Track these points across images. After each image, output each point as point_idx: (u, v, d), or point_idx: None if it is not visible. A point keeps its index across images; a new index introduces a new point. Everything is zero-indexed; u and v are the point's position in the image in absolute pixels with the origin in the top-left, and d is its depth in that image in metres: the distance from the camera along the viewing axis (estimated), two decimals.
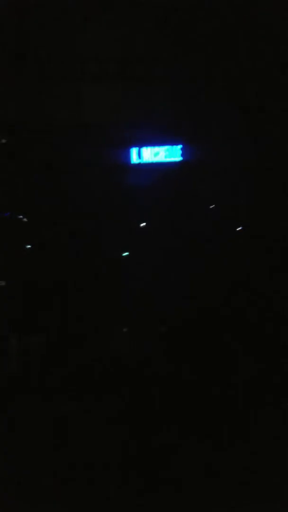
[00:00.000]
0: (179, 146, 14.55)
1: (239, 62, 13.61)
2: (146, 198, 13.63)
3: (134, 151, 14.45)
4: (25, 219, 13.64)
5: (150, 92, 13.98)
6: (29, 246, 12.51)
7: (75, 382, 7.14)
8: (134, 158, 14.47)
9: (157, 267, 11.54)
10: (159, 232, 13.20)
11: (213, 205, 13.96)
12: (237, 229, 13.12)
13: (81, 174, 13.39)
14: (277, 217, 12.56)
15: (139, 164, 14.47)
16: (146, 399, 6.74)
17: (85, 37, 13.68)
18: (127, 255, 12.49)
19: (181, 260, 11.70)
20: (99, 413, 6.20)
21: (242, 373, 7.36)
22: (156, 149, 14.51)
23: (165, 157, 14.55)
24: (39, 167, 13.39)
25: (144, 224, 13.86)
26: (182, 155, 14.60)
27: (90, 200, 13.11)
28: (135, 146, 14.40)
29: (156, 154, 14.53)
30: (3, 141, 13.42)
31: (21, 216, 13.63)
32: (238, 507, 4.86)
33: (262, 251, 11.80)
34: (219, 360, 7.85)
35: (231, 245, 12.45)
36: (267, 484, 5.16)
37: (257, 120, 13.70)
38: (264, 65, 13.36)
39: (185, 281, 10.93)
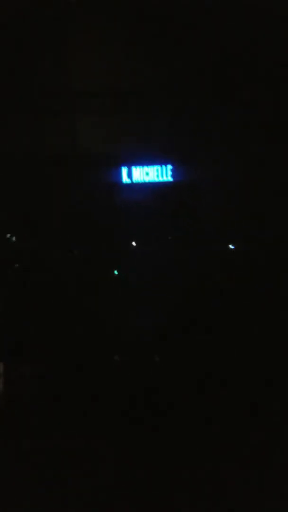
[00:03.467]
0: (170, 167, 14.68)
1: (231, 85, 13.82)
2: (137, 216, 13.68)
3: (124, 171, 14.55)
4: (14, 238, 13.62)
5: (143, 117, 14.20)
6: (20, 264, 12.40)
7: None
8: (125, 178, 14.56)
9: (149, 285, 11.45)
10: (150, 251, 13.18)
11: (204, 224, 13.99)
12: (229, 247, 13.12)
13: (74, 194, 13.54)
14: (269, 235, 12.60)
15: (130, 184, 14.56)
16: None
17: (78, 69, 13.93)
18: (117, 273, 12.41)
19: (172, 277, 11.63)
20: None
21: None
22: (146, 169, 14.62)
23: (156, 177, 14.65)
24: (34, 188, 13.47)
25: (134, 243, 13.84)
26: (172, 175, 14.73)
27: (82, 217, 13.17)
28: (126, 166, 14.51)
29: (147, 174, 14.63)
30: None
31: (9, 235, 13.63)
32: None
33: (255, 269, 11.78)
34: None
35: (223, 263, 12.43)
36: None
37: (248, 140, 13.88)
38: (256, 86, 13.59)
39: (176, 296, 10.83)
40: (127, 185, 14.61)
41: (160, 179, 14.69)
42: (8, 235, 13.72)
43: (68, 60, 13.90)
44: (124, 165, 14.52)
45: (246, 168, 13.81)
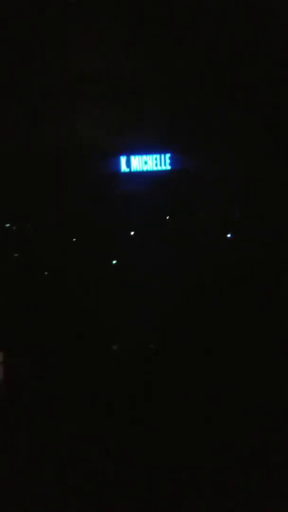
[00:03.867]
0: (168, 155, 14.69)
1: (230, 77, 13.78)
2: (137, 205, 13.70)
3: (123, 160, 14.56)
4: (15, 228, 13.66)
5: (140, 104, 14.17)
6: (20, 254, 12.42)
7: None
8: (124, 167, 14.58)
9: (147, 276, 11.47)
10: (149, 239, 13.21)
11: (203, 213, 14.02)
12: (228, 236, 13.14)
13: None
14: (267, 225, 12.63)
15: (129, 173, 14.59)
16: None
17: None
18: (116, 262, 12.44)
19: (171, 267, 11.65)
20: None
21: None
22: (145, 157, 14.63)
23: (154, 166, 14.67)
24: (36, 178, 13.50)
25: (133, 232, 13.86)
26: (170, 164, 14.75)
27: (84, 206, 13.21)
28: (125, 155, 14.53)
29: (145, 163, 14.65)
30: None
31: (8, 225, 13.67)
32: None
33: (253, 259, 11.82)
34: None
35: (221, 253, 12.47)
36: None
37: (246, 130, 13.88)
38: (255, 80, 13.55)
39: (174, 289, 10.87)
40: (125, 174, 14.62)
41: (159, 168, 14.71)
42: (7, 225, 13.74)
43: (68, 52, 13.84)
44: (122, 155, 14.53)
45: (245, 163, 13.82)
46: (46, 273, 10.92)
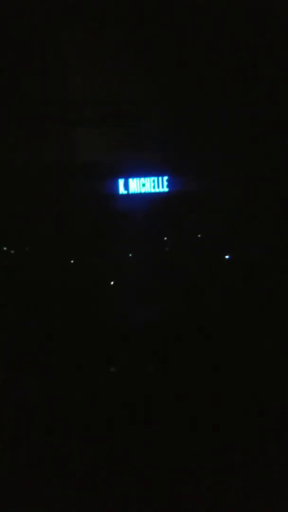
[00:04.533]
0: (165, 178, 14.82)
1: (226, 102, 13.96)
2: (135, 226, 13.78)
3: (121, 182, 14.68)
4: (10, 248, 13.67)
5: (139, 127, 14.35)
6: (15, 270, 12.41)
7: None
8: (121, 189, 14.68)
9: (145, 294, 11.47)
10: (146, 259, 13.25)
11: (199, 235, 14.10)
12: (224, 258, 13.19)
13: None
14: (264, 246, 12.69)
15: (126, 195, 14.69)
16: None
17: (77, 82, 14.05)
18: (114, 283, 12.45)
19: (168, 287, 11.67)
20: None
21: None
22: (143, 180, 14.75)
23: (152, 188, 14.78)
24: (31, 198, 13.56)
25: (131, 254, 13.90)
26: (168, 186, 14.87)
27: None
28: (122, 177, 14.65)
29: (143, 185, 14.76)
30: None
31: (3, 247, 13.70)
32: None
33: (250, 280, 11.85)
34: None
35: (218, 275, 12.50)
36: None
37: (243, 152, 14.02)
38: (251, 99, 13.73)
39: (173, 307, 10.87)
40: (123, 196, 14.72)
41: (157, 190, 14.82)
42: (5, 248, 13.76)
43: (67, 70, 14.00)
44: (120, 177, 14.66)
45: (244, 180, 13.94)
46: (44, 292, 10.94)
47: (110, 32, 13.75)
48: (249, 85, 13.58)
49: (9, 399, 7.63)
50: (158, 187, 14.88)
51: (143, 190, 14.79)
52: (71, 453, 5.92)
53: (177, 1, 12.68)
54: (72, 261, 12.74)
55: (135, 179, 14.75)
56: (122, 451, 5.81)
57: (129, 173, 14.67)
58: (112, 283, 12.08)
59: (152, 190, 14.84)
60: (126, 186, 14.73)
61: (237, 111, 14.00)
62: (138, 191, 14.78)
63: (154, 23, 13.06)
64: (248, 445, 5.65)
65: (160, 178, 14.83)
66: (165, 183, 14.91)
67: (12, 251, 13.71)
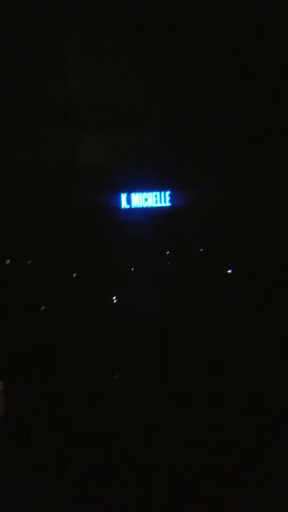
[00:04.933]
0: (168, 192, 14.86)
1: (230, 111, 14.00)
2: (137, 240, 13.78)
3: (123, 197, 14.72)
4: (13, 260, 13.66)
5: (140, 139, 14.39)
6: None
7: None
8: (124, 203, 14.73)
9: (147, 309, 11.44)
10: (149, 276, 13.23)
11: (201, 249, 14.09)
12: (227, 272, 13.16)
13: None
14: (265, 260, 12.66)
15: (129, 209, 14.73)
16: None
17: (78, 84, 14.10)
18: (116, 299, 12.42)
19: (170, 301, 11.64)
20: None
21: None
22: (145, 195, 14.79)
23: (154, 202, 14.82)
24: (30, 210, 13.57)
25: (132, 269, 13.88)
26: (170, 201, 14.91)
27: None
28: (125, 191, 14.69)
29: (145, 200, 14.80)
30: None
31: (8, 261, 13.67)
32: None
33: (251, 293, 11.82)
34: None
35: (221, 289, 12.46)
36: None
37: (247, 166, 14.07)
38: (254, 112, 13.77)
39: (174, 321, 10.83)
40: (126, 210, 14.75)
41: (159, 205, 14.86)
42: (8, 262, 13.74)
43: (67, 71, 14.03)
44: (123, 191, 14.71)
45: (247, 193, 13.96)
46: (45, 305, 10.93)
47: (110, 32, 13.79)
48: (249, 85, 13.61)
49: (10, 400, 7.62)
50: (161, 201, 14.92)
51: (145, 204, 14.84)
52: (71, 453, 5.88)
53: (177, 1, 12.75)
54: (74, 275, 12.73)
55: (137, 194, 14.79)
56: (122, 451, 5.78)
57: (130, 187, 14.72)
58: (114, 298, 12.06)
59: (154, 205, 14.88)
60: (128, 200, 14.78)
61: (238, 115, 14.02)
62: (141, 206, 14.82)
63: (154, 23, 13.09)
64: (248, 445, 5.61)
65: (162, 193, 14.88)
66: (167, 198, 14.95)
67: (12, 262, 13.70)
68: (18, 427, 6.96)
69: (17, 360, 8.82)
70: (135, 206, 14.78)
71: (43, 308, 10.91)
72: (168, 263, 14.01)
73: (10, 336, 9.56)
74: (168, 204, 14.89)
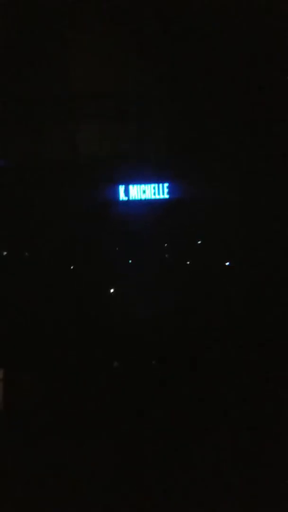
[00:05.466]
0: (166, 184, 14.81)
1: (231, 105, 13.97)
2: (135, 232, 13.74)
3: (121, 189, 14.67)
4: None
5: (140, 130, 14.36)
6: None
7: None
8: (122, 196, 14.68)
9: (146, 302, 11.41)
10: (147, 268, 13.19)
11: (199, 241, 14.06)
12: (226, 265, 13.13)
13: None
14: (265, 252, 12.63)
15: (127, 201, 14.68)
16: None
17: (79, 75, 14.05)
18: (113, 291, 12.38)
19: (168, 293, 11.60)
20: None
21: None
22: (143, 187, 14.75)
23: (152, 194, 14.78)
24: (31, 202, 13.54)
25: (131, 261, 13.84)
26: (169, 193, 14.86)
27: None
28: (123, 183, 14.65)
29: (144, 192, 14.76)
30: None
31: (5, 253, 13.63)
32: None
33: (251, 287, 11.79)
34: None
35: (220, 281, 12.43)
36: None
37: (244, 158, 14.03)
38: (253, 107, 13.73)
39: (173, 314, 10.80)
40: (124, 202, 14.71)
41: (157, 197, 14.81)
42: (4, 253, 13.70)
43: (69, 69, 13.99)
44: (121, 183, 14.65)
45: (245, 185, 13.92)
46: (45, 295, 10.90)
47: (112, 25, 13.72)
48: (249, 86, 13.58)
49: (11, 398, 7.61)
50: (159, 193, 14.87)
51: (144, 196, 14.79)
52: (72, 452, 5.88)
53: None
54: (71, 267, 12.69)
55: (135, 186, 14.74)
56: (122, 451, 5.77)
57: (129, 179, 14.68)
58: (111, 290, 12.02)
59: (153, 197, 14.84)
60: (126, 192, 14.73)
61: (238, 108, 13.98)
62: (139, 198, 14.78)
63: (155, 15, 13.05)
64: (248, 445, 5.59)
65: (160, 185, 14.82)
66: (166, 190, 14.90)
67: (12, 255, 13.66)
68: (18, 415, 6.96)
69: (17, 349, 8.82)
70: (133, 198, 14.74)
71: (43, 299, 10.88)
72: (166, 255, 13.97)
73: (10, 325, 9.56)
74: (166, 196, 14.85)
